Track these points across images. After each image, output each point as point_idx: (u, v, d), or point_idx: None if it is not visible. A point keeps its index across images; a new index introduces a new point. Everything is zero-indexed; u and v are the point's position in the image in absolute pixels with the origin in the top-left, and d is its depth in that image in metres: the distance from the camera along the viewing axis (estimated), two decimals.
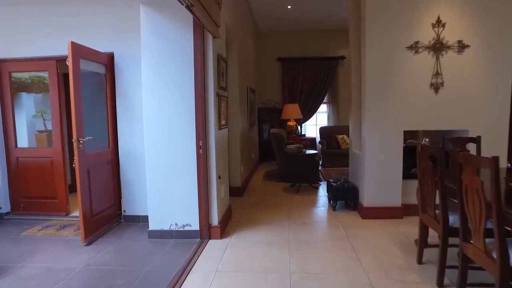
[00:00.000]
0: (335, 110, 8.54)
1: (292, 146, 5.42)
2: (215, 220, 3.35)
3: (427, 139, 6.43)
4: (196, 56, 3.13)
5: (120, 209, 3.98)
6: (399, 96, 3.67)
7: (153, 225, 3.40)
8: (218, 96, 3.39)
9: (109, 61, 3.78)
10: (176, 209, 3.34)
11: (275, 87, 8.55)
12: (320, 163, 7.36)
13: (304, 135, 8.51)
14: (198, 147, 3.21)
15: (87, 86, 4.04)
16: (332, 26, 7.91)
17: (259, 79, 8.46)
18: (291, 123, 7.65)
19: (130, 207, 3.95)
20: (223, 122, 3.63)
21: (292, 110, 7.49)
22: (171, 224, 3.37)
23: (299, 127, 8.13)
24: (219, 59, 3.40)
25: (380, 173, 3.78)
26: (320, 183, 5.81)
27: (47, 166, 4.06)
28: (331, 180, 4.52)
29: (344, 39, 8.31)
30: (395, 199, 3.81)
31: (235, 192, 4.99)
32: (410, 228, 3.50)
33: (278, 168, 6.31)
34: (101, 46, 3.73)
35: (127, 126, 3.84)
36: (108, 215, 3.78)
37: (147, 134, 3.31)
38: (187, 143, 3.25)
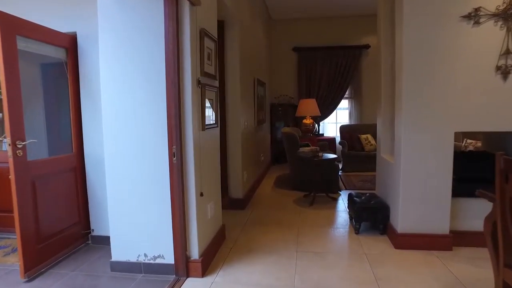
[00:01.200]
0: (358, 106, 7.52)
1: (307, 149, 4.50)
2: (194, 252, 2.50)
3: (471, 141, 5.33)
4: (167, 28, 2.28)
5: (88, 228, 3.21)
6: (450, 85, 2.69)
7: (116, 255, 2.59)
8: (200, 85, 2.53)
9: (70, 43, 2.99)
10: (145, 235, 2.51)
11: (290, 80, 7.62)
12: (340, 167, 6.39)
13: (322, 134, 7.53)
14: (170, 155, 2.37)
15: (43, 75, 3.28)
16: (354, 10, 6.89)
17: (272, 72, 7.56)
18: (307, 121, 6.71)
19: (99, 225, 3.16)
20: (209, 121, 2.77)
21: (308, 106, 6.55)
22: (139, 255, 2.55)
23: (316, 125, 7.17)
24: (202, 35, 2.54)
25: (420, 188, 2.82)
26: (340, 192, 4.86)
27: (3, 173, 3.34)
28: (353, 193, 3.58)
29: (368, 25, 7.30)
30: (441, 224, 2.83)
31: (235, 204, 4.14)
32: (465, 267, 2.53)
33: (290, 173, 5.40)
34: (62, 25, 2.96)
35: (94, 125, 3.04)
36: (70, 236, 3.00)
37: (106, 136, 2.49)
38: (159, 149, 2.41)
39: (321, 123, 7.60)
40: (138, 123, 2.42)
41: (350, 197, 3.55)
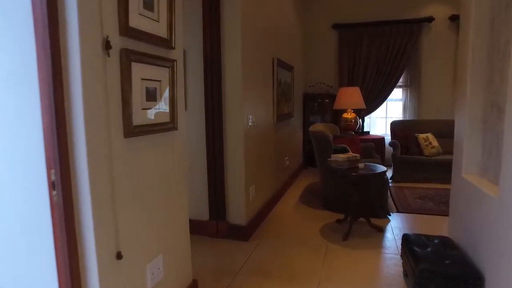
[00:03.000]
0: (415, 97, 5.91)
1: (342, 157, 3.15)
2: None
3: None
4: None
5: None
6: None
7: None
8: (123, 54, 1.35)
9: None
10: None
11: (328, 65, 6.21)
12: (390, 176, 4.92)
13: (368, 132, 6.04)
14: (50, 186, 1.22)
15: None
16: None
17: (306, 55, 6.20)
18: (349, 115, 5.30)
19: None
20: (147, 118, 1.57)
21: (350, 97, 5.13)
22: None
23: (360, 120, 5.73)
24: None
25: None
26: (390, 216, 3.47)
27: None
28: (411, 236, 2.22)
29: None
30: None
31: (235, 233, 2.96)
32: None
33: (320, 186, 4.09)
34: None
35: None
36: None
37: None
38: (31, 173, 1.28)
39: (366, 118, 6.11)
40: None
41: (407, 243, 2.19)
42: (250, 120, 3.07)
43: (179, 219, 1.90)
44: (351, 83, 5.98)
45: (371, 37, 5.79)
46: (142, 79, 1.49)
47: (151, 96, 1.56)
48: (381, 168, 3.06)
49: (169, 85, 1.70)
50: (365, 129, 6.01)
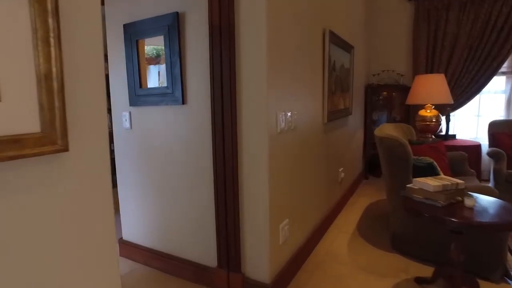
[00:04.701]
0: None
1: (434, 185, 1.90)
2: None
3: None
4: None
5: None
6: None
7: None
8: None
9: None
10: None
11: (400, 47, 4.83)
12: None
13: (454, 136, 4.55)
14: None
15: None
16: None
17: (370, 34, 4.88)
18: (428, 113, 3.93)
19: None
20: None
21: (430, 88, 3.76)
22: None
23: (443, 120, 4.30)
24: None
25: None
26: (510, 281, 2.15)
27: None
28: None
29: None
30: None
31: None
32: None
33: (389, 213, 2.86)
34: None
35: None
36: None
37: None
38: None
39: (450, 116, 4.62)
40: None
41: None
42: (282, 120, 1.98)
43: None
44: (430, 70, 4.55)
45: (462, 7, 4.29)
46: None
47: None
48: (505, 207, 1.77)
49: (37, 39, 0.68)
50: (450, 132, 4.53)
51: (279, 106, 1.93)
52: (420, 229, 2.35)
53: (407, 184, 2.04)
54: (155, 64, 2.13)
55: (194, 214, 2.15)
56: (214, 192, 1.99)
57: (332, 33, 2.79)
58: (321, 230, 2.82)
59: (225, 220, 1.98)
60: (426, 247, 2.33)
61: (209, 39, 1.86)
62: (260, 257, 1.93)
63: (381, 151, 2.57)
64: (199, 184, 2.10)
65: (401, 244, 2.53)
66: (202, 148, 2.04)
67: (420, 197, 1.88)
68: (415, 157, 2.50)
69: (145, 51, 2.16)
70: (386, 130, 2.91)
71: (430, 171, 2.36)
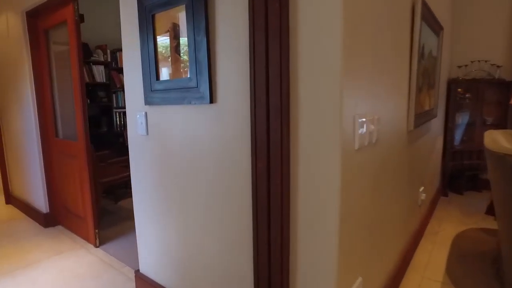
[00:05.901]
0: None
1: None
2: None
3: None
4: None
5: None
6: None
7: None
8: None
9: None
10: None
11: (496, 31, 3.80)
12: None
13: None
14: None
15: None
16: None
17: (456, 14, 3.90)
18: None
19: None
20: None
21: None
22: None
23: None
24: None
25: None
26: None
27: None
28: None
29: None
30: None
31: None
32: None
33: (505, 262, 2.00)
34: None
35: None
36: None
37: None
38: None
39: None
40: None
41: None
42: (363, 130, 1.26)
43: None
44: None
45: None
46: None
47: None
48: None
49: None
50: None
51: (358, 109, 1.22)
52: None
53: None
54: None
55: (222, 264, 1.52)
56: (254, 235, 1.33)
57: (424, 5, 1.98)
58: (398, 276, 2.05)
59: (268, 278, 1.31)
60: None
61: (250, 12, 1.20)
62: None
63: (500, 173, 1.72)
64: (231, 219, 1.45)
65: None
66: (236, 166, 1.38)
67: None
68: None
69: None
70: (498, 139, 2.04)
71: None
